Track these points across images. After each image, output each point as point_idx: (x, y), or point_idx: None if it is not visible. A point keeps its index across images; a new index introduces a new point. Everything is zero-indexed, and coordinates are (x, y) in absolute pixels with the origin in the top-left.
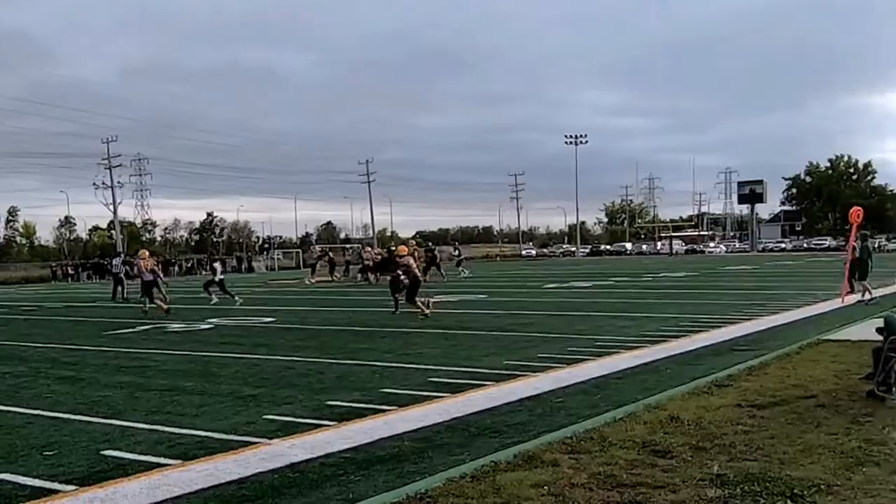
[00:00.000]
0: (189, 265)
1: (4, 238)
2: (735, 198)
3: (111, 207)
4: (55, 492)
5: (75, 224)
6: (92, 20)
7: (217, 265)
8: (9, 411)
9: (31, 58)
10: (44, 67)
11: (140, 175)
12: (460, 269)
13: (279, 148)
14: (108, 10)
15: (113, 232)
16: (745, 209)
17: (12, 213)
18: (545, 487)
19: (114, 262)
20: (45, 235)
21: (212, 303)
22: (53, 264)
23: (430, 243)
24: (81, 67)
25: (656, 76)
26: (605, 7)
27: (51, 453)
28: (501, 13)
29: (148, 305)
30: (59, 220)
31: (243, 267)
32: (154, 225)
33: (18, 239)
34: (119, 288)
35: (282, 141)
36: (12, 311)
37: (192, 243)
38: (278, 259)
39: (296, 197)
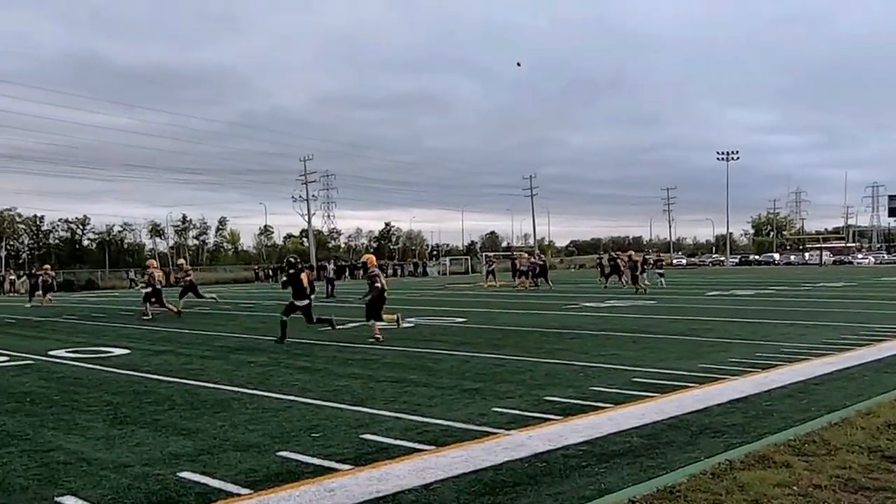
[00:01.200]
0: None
1: (214, 244)
2: (883, 211)
3: (305, 217)
4: (334, 470)
5: (272, 232)
6: (291, 57)
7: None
8: (266, 396)
9: (240, 89)
10: (250, 97)
11: (328, 189)
12: (661, 279)
13: (448, 164)
14: (305, 47)
15: (305, 239)
16: (892, 222)
17: (222, 222)
18: (789, 488)
19: (328, 267)
20: (247, 242)
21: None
22: (256, 267)
23: (613, 252)
24: (282, 97)
25: (805, 94)
26: (755, 29)
27: (317, 435)
28: (652, 37)
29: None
30: (259, 228)
31: (418, 271)
32: (339, 233)
33: (225, 245)
34: (330, 287)
35: (451, 158)
36: (235, 307)
37: (371, 250)
38: (448, 265)
39: (462, 209)
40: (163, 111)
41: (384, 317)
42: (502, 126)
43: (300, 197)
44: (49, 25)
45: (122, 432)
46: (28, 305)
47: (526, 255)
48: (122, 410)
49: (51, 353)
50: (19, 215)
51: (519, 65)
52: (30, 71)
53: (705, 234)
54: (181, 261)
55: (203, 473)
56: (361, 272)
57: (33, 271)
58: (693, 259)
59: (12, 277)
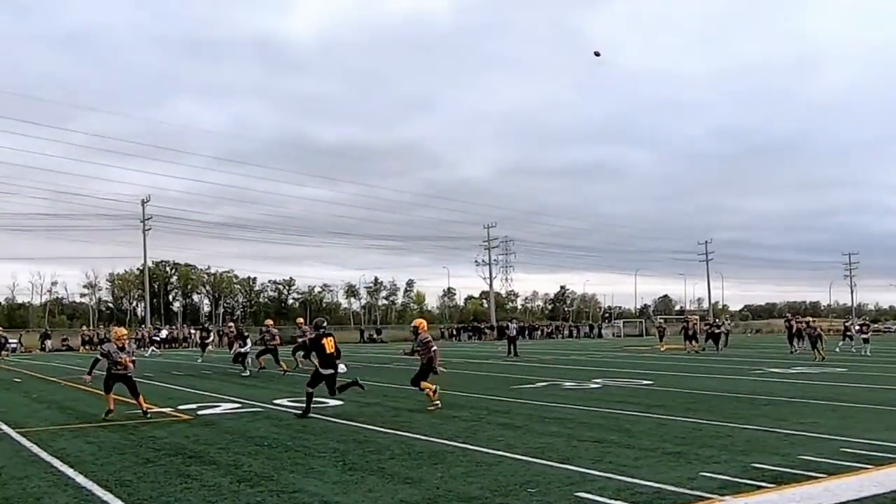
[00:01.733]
0: (549, 330)
1: (402, 304)
2: None
3: (486, 280)
4: None
5: (455, 293)
6: (476, 132)
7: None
8: (475, 449)
9: (427, 162)
10: (436, 169)
11: (506, 254)
12: (867, 346)
13: (621, 230)
14: (489, 123)
15: (484, 300)
16: None
17: (409, 284)
18: None
19: (510, 326)
20: (431, 302)
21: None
22: (441, 326)
23: (790, 314)
24: (465, 168)
25: None
26: None
27: (533, 490)
28: (831, 104)
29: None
30: (443, 290)
31: (594, 333)
32: (516, 295)
33: (412, 305)
34: (513, 346)
35: (624, 224)
36: None
37: (546, 311)
38: (622, 327)
39: (635, 272)
40: (358, 183)
41: (423, 385)
42: (675, 192)
43: (483, 261)
44: (268, 112)
45: (353, 478)
46: (198, 361)
47: (696, 318)
48: (349, 458)
49: (275, 401)
50: (236, 276)
51: (597, 54)
52: (251, 151)
53: (888, 300)
54: (300, 320)
55: None
56: (413, 337)
57: (206, 325)
58: (877, 325)
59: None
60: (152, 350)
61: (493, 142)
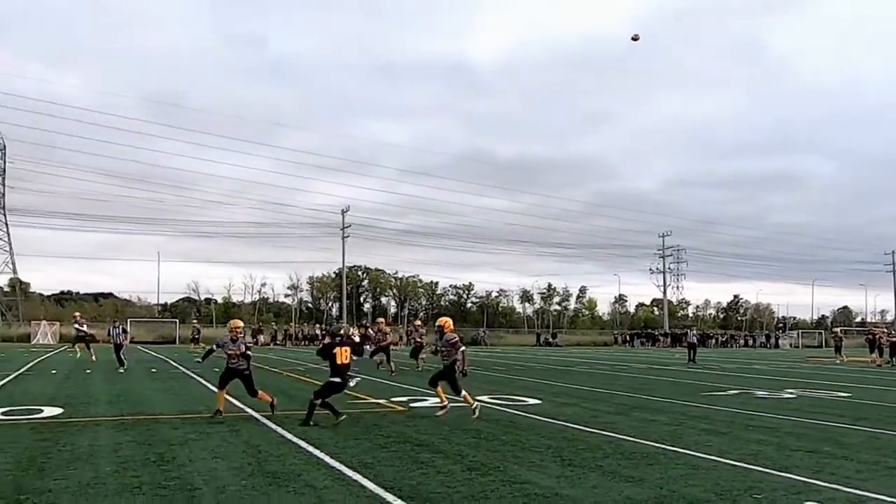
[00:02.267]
0: (724, 339)
1: (574, 310)
2: None
3: (659, 287)
4: None
5: (626, 300)
6: (646, 144)
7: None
8: (686, 453)
9: (599, 173)
10: (607, 180)
11: (678, 262)
12: None
13: (796, 240)
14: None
15: (655, 308)
16: None
17: (582, 290)
18: None
19: (689, 333)
20: (602, 309)
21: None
22: (615, 332)
23: None
24: (636, 179)
25: None
26: None
27: (759, 496)
28: None
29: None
30: (614, 297)
31: (770, 343)
32: (688, 303)
33: (584, 311)
34: (692, 353)
35: (799, 233)
36: (612, 368)
37: (718, 320)
38: (799, 338)
39: (813, 282)
40: (534, 193)
41: (440, 391)
42: (856, 201)
43: (656, 269)
44: (451, 129)
45: (574, 473)
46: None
47: (884, 329)
48: (565, 454)
49: (478, 398)
50: (420, 281)
51: (636, 38)
52: (436, 165)
53: None
54: (417, 323)
55: None
56: (438, 336)
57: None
58: None
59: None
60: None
61: (664, 153)
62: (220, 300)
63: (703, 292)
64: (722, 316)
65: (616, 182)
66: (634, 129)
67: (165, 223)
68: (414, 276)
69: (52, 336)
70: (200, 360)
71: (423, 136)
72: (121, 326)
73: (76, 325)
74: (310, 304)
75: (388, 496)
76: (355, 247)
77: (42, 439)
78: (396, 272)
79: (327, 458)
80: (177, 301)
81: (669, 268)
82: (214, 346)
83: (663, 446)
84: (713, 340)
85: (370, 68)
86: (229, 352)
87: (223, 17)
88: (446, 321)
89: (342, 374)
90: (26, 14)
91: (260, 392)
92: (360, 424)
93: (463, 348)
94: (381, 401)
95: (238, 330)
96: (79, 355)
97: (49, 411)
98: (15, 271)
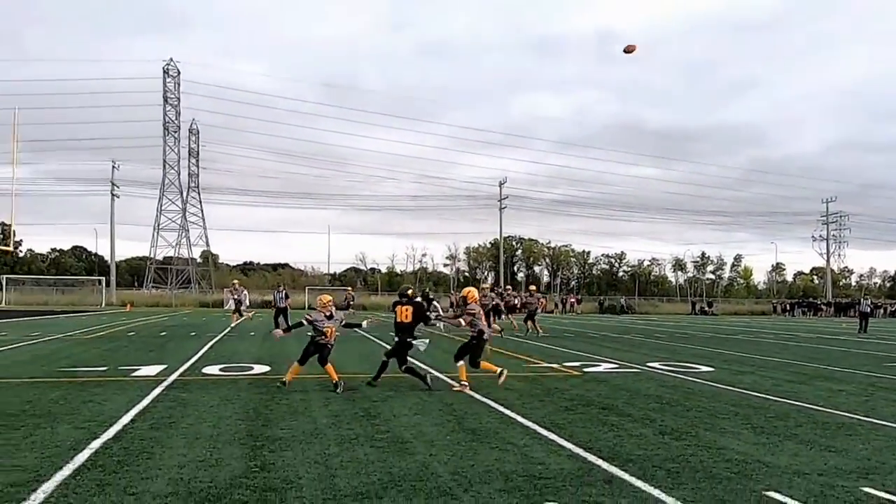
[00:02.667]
0: (893, 309)
1: (728, 279)
2: None
3: (823, 256)
4: None
5: (784, 269)
6: (800, 110)
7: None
8: (887, 425)
9: (753, 140)
10: (763, 146)
11: (839, 230)
12: None
13: None
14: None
15: (815, 276)
16: None
17: (737, 259)
18: None
19: (862, 302)
20: (758, 278)
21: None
22: (774, 301)
23: None
24: (793, 145)
25: None
26: None
27: None
28: None
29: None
30: (771, 265)
31: None
32: (850, 272)
33: (738, 280)
34: (864, 322)
35: None
36: (777, 337)
37: (885, 289)
38: None
39: None
40: (686, 161)
41: (483, 364)
42: None
43: (819, 236)
44: (604, 100)
45: (770, 441)
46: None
47: None
48: (754, 421)
49: (649, 364)
50: (572, 250)
51: (628, 51)
52: (594, 136)
53: None
54: (532, 287)
55: (886, 491)
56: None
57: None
58: None
59: (572, 299)
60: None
61: (820, 118)
62: (384, 270)
63: (865, 260)
64: (889, 285)
65: (770, 149)
66: (788, 94)
67: (335, 198)
68: (566, 246)
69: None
70: (287, 328)
71: (577, 108)
72: (284, 291)
73: (233, 293)
74: (466, 273)
75: (589, 456)
76: (509, 217)
77: (260, 393)
78: (549, 242)
79: (519, 418)
80: (345, 271)
81: (832, 235)
82: (304, 321)
83: (857, 416)
84: (881, 310)
85: (526, 44)
86: (323, 329)
87: (394, 3)
88: (470, 291)
89: (401, 333)
90: (219, 10)
91: (328, 366)
92: (541, 387)
93: (482, 324)
94: (553, 365)
95: (329, 305)
96: (237, 321)
97: (258, 368)
98: (208, 244)
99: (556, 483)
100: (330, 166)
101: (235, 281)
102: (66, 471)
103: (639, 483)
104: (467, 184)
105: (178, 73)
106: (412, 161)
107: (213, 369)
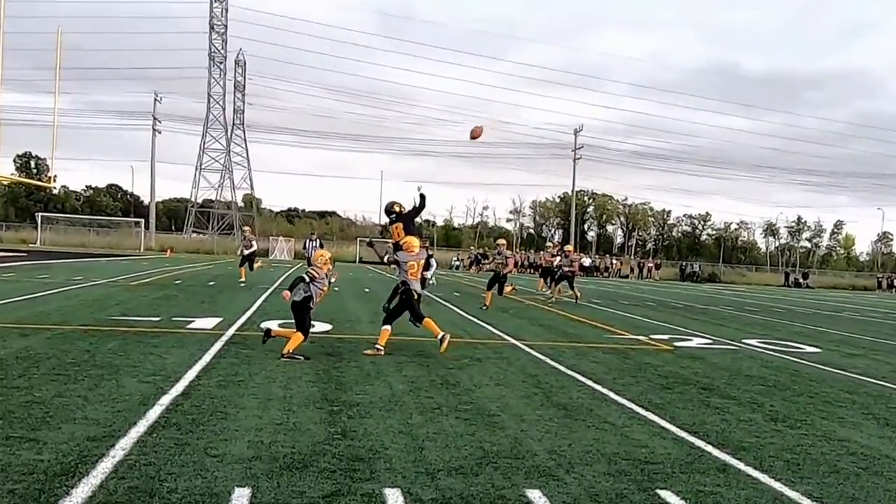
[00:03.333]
0: None
1: (826, 248)
2: None
3: None
4: None
5: (892, 239)
6: None
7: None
8: None
9: (863, 91)
10: (875, 98)
11: None
12: None
13: None
14: None
15: None
16: None
17: (837, 225)
18: None
19: None
20: (861, 248)
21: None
22: (879, 275)
23: None
24: None
25: None
26: None
27: None
28: None
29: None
30: (877, 234)
31: None
32: None
33: (838, 249)
34: None
35: None
36: (886, 317)
37: None
38: None
39: None
40: (783, 112)
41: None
42: None
43: None
44: (692, 42)
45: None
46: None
47: None
48: (875, 411)
49: (744, 340)
50: (651, 209)
51: (474, 136)
52: (677, 81)
53: None
54: (569, 247)
55: None
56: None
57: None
58: None
59: (650, 264)
60: None
61: None
62: (440, 223)
63: None
64: None
65: (883, 101)
66: None
67: (388, 141)
68: (644, 203)
69: (287, 252)
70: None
71: (659, 49)
72: (318, 240)
73: (245, 242)
74: (531, 230)
75: (697, 441)
76: (580, 170)
77: (328, 354)
78: (625, 198)
79: (612, 395)
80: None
81: None
82: (305, 278)
83: None
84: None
85: None
86: (322, 290)
87: None
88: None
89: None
90: None
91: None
92: (631, 362)
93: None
94: (640, 337)
95: (329, 264)
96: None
97: (320, 326)
98: (252, 187)
99: (665, 469)
100: (384, 105)
101: (247, 228)
102: (141, 427)
103: (756, 473)
104: (536, 130)
105: None
106: (474, 103)
107: (271, 325)
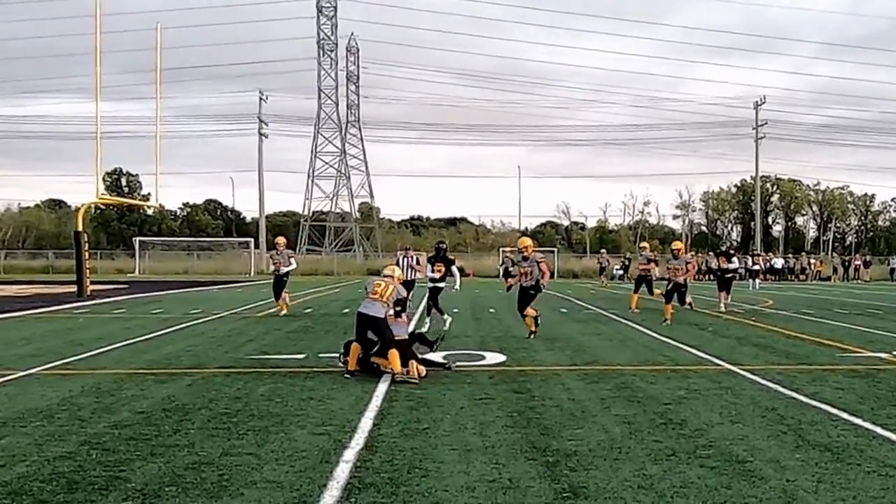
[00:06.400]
0: None
1: None
2: None
3: None
4: None
5: None
6: None
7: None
8: None
9: None
10: None
11: None
12: None
13: None
14: None
15: None
16: None
17: None
18: None
19: None
20: None
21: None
22: None
23: None
24: None
25: None
26: None
27: None
28: None
29: None
30: None
31: None
32: None
33: None
34: None
35: None
36: None
37: None
38: None
39: None
40: None
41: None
42: None
43: None
44: None
45: None
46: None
47: None
48: None
49: None
50: (851, 194)
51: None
52: (877, 35)
53: None
54: (644, 244)
55: None
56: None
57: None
58: None
59: (857, 262)
60: (756, 282)
61: None
62: (592, 224)
63: None
64: None
65: None
66: None
67: (525, 130)
68: (842, 188)
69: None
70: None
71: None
72: (415, 257)
73: (274, 260)
74: (703, 228)
75: None
76: (762, 151)
77: (515, 391)
78: (817, 182)
79: (878, 430)
80: (540, 226)
81: None
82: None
83: None
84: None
85: None
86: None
87: None
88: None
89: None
90: None
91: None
92: (884, 386)
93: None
94: (881, 354)
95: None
96: (283, 312)
97: (491, 357)
98: (371, 195)
99: None
100: (519, 88)
101: (281, 240)
102: (334, 490)
103: None
104: (703, 107)
105: None
106: (628, 78)
107: (434, 357)
